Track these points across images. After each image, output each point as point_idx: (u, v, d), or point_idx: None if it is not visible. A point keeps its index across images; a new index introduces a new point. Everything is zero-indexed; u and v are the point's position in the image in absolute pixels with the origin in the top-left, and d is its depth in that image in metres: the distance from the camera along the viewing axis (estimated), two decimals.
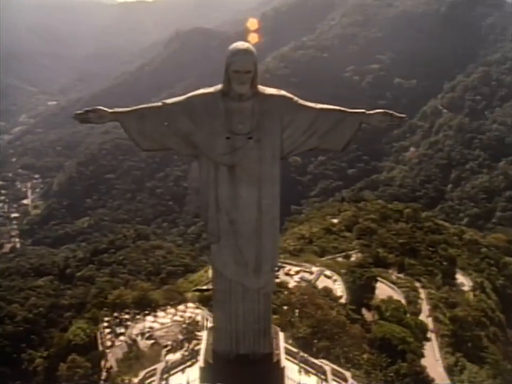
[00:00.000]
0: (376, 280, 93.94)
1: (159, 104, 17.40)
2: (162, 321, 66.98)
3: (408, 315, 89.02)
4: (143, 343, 59.14)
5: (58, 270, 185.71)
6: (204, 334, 25.60)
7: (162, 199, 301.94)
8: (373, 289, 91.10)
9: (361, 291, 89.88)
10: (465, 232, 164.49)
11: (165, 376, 38.46)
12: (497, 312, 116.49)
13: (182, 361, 39.46)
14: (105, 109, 17.09)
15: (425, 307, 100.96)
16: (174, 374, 38.35)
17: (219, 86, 17.35)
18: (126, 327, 68.12)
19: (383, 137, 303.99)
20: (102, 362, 58.71)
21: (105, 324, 70.85)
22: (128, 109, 17.30)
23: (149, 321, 67.28)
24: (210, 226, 18.42)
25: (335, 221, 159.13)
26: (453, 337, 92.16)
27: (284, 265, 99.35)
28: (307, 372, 38.11)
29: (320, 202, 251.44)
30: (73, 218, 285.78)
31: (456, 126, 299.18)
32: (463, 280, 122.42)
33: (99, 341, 65.61)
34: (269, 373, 20.69)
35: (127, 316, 71.41)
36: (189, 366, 38.59)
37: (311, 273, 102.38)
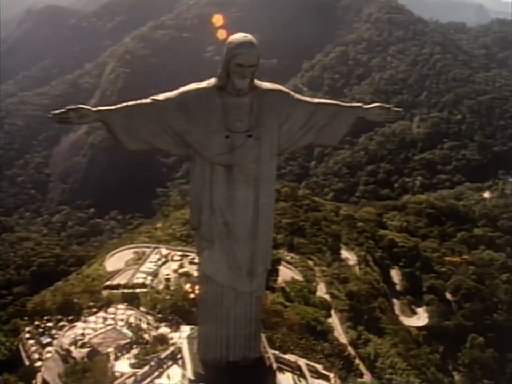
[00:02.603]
0: (279, 263, 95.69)
1: (148, 100, 16.30)
2: (94, 326, 62.32)
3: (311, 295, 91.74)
4: (78, 352, 55.33)
5: None
6: (184, 343, 24.82)
7: (23, 188, 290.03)
8: (277, 271, 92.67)
9: None
10: (341, 208, 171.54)
11: None
12: (381, 283, 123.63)
13: (149, 373, 38.55)
14: (87, 107, 15.76)
15: (321, 284, 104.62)
16: None
17: (212, 80, 16.58)
18: (52, 336, 63.53)
19: None
20: (35, 380, 54.14)
21: (27, 335, 65.34)
22: (114, 106, 16.11)
23: (79, 327, 62.68)
24: (204, 230, 17.86)
25: None
26: (351, 311, 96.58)
27: (187, 253, 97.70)
28: (280, 370, 38.59)
29: (187, 184, 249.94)
30: None
31: None
32: (347, 255, 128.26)
33: (23, 355, 60.71)
34: (263, 377, 20.65)
35: (50, 324, 66.86)
36: (157, 376, 37.90)
37: None
